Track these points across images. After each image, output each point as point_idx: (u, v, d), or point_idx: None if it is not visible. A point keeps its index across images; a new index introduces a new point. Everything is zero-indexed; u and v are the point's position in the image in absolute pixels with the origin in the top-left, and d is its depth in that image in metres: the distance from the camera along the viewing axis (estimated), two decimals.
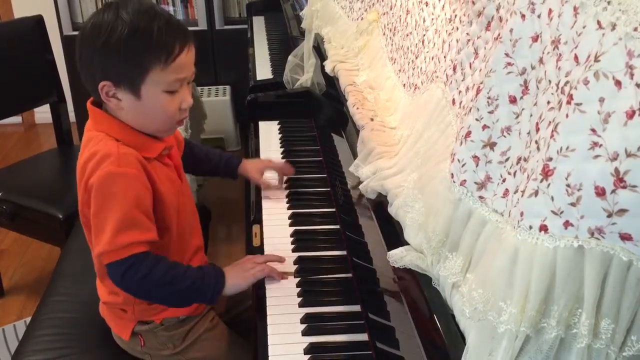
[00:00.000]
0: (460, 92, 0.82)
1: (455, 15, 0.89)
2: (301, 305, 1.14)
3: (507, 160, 0.69)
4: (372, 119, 1.13)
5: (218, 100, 3.29)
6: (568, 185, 0.56)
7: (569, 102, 0.55)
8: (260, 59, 2.54)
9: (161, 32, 1.05)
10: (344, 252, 1.28)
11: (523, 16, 0.65)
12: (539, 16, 0.63)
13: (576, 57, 0.57)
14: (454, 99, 0.84)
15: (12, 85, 2.27)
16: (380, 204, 0.98)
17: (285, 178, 1.53)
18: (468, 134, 0.71)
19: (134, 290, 1.13)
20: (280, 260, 1.24)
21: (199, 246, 1.31)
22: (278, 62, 2.41)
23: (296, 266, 1.23)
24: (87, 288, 1.29)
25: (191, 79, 1.13)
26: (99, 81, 1.06)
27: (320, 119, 1.79)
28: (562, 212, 0.57)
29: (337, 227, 1.37)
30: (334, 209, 1.43)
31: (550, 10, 0.62)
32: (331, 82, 1.48)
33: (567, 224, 0.56)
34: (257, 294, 1.18)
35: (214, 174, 1.49)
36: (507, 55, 0.67)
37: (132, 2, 1.08)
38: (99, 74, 1.06)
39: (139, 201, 1.08)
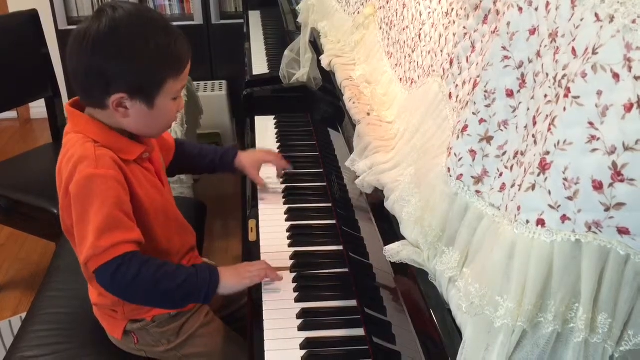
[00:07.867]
0: (457, 86, 0.81)
1: (452, 9, 0.89)
2: (297, 300, 1.13)
3: (504, 154, 0.68)
4: (368, 114, 1.12)
5: (214, 95, 3.28)
6: (565, 179, 0.55)
7: (566, 96, 0.55)
8: (257, 53, 2.53)
9: (177, 46, 1.08)
10: (340, 247, 1.28)
11: (520, 9, 0.64)
12: (536, 9, 0.63)
13: (574, 50, 0.56)
14: (450, 93, 0.83)
15: (7, 80, 2.26)
16: (376, 199, 0.97)
17: (282, 172, 1.52)
18: (465, 127, 0.70)
19: (126, 293, 1.09)
20: (278, 278, 1.18)
21: (191, 246, 1.30)
22: (274, 57, 2.40)
23: (292, 261, 1.23)
24: (82, 283, 1.29)
25: None
26: (113, 93, 1.05)
27: (317, 114, 1.79)
28: (559, 206, 0.56)
29: (334, 222, 1.36)
30: (330, 204, 1.42)
31: (547, 3, 0.61)
32: (327, 76, 1.47)
33: (564, 218, 0.56)
34: (252, 289, 1.17)
35: (211, 170, 1.47)
36: (504, 48, 0.66)
37: (141, 13, 1.07)
38: (113, 86, 1.05)
39: (119, 202, 1.05)
